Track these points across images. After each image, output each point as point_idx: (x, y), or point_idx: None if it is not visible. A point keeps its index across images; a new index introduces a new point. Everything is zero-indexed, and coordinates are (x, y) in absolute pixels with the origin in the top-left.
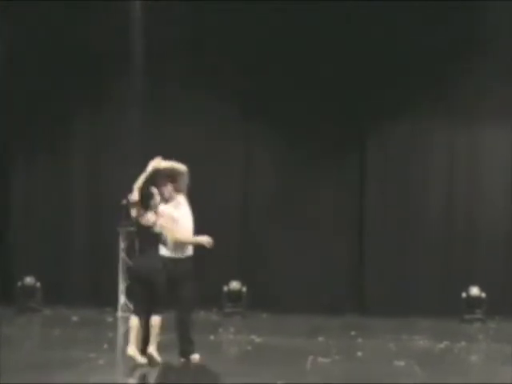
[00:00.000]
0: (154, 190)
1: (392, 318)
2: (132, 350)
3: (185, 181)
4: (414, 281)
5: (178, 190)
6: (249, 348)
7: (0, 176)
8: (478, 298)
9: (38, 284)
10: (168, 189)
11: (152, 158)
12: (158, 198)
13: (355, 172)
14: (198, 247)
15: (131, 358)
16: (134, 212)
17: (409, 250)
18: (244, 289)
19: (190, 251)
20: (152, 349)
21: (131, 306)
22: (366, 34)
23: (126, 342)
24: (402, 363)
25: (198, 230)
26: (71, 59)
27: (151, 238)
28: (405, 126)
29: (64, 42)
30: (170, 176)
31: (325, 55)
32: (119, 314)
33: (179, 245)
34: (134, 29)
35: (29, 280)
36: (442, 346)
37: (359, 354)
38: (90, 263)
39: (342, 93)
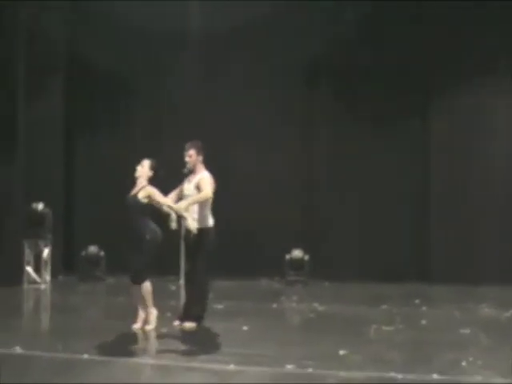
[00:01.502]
0: None
1: (456, 286)
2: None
3: None
4: (479, 248)
5: None
6: (311, 316)
7: (65, 148)
8: None
9: (102, 253)
10: None
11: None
12: None
13: (418, 139)
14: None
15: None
16: None
17: (474, 217)
18: (306, 257)
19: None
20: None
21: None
22: (432, 5)
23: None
24: (467, 331)
25: (260, 198)
26: (133, 33)
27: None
28: (468, 91)
29: (127, 16)
30: None
31: (391, 25)
32: (181, 281)
33: None
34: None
35: (92, 249)
36: (508, 314)
37: (423, 322)
38: None
39: (407, 60)
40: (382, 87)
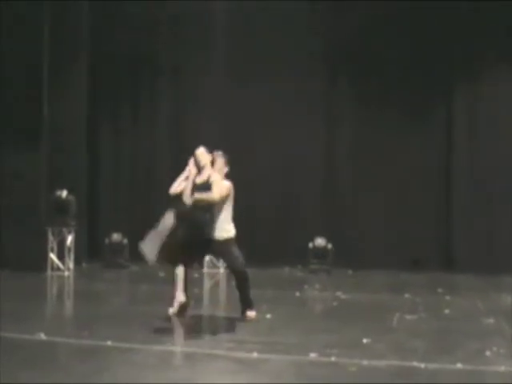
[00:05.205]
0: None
1: (479, 275)
2: None
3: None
4: (502, 237)
5: None
6: (334, 304)
7: (89, 135)
8: None
9: (125, 240)
10: None
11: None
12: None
13: (442, 125)
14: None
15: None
16: None
17: (498, 206)
18: (329, 245)
19: None
20: None
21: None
22: None
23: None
24: (490, 321)
25: (282, 187)
26: (155, 28)
27: None
28: (492, 78)
29: (148, 11)
30: None
31: (413, 13)
32: (205, 270)
33: None
34: None
35: (116, 236)
36: None
37: (446, 311)
38: None
39: (430, 48)
40: (406, 75)
